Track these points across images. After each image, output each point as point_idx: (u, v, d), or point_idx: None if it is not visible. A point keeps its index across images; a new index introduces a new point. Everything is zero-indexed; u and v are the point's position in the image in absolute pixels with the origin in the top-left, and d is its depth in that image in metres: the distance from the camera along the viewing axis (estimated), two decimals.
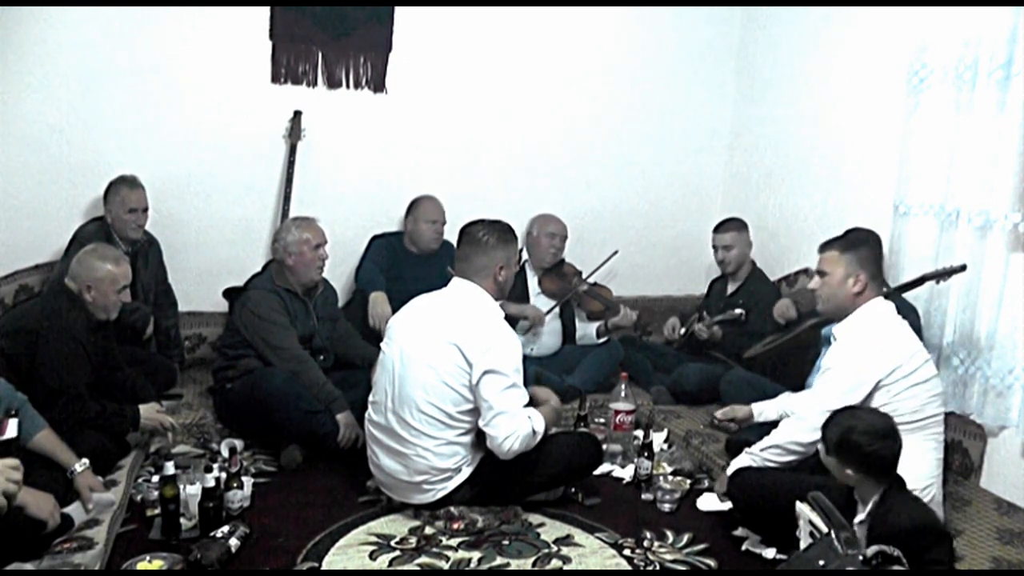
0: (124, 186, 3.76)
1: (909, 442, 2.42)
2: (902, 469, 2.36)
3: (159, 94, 4.08)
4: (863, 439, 2.31)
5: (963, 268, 3.18)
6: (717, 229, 4.31)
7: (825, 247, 2.97)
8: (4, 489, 2.00)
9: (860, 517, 2.36)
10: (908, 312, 3.11)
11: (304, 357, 3.44)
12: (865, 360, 2.71)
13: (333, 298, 3.88)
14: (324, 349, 3.67)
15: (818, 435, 2.65)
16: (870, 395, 2.68)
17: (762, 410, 3.25)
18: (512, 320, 4.10)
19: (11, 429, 2.30)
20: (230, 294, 3.64)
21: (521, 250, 4.26)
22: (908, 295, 3.34)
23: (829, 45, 4.23)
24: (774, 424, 3.00)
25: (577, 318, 4.47)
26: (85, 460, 2.71)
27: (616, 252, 4.49)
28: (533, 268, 4.42)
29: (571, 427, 3.47)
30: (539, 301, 4.33)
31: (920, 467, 2.64)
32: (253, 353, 3.45)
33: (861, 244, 2.91)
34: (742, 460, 2.90)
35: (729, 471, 2.92)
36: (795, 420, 2.83)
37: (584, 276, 4.43)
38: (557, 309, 4.32)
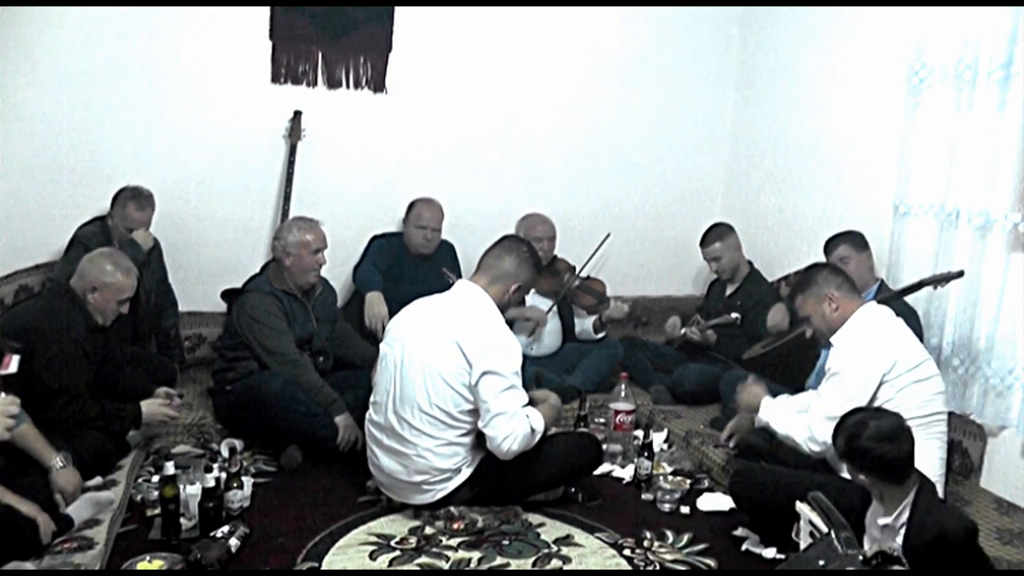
0: (132, 203, 3.71)
1: (916, 439, 2.41)
2: None
3: (159, 94, 4.08)
4: (869, 443, 2.29)
5: (961, 274, 3.17)
6: (703, 243, 4.27)
7: (790, 298, 3.06)
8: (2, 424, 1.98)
9: (886, 520, 2.34)
10: (908, 316, 3.10)
11: (300, 361, 3.43)
12: (866, 360, 2.72)
13: (332, 299, 3.87)
14: (323, 350, 3.66)
15: (827, 443, 2.66)
16: (875, 392, 2.68)
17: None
18: (511, 322, 4.11)
19: (13, 365, 2.23)
20: (228, 296, 3.62)
21: None
22: (908, 298, 3.34)
23: (829, 45, 4.23)
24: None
25: (576, 315, 4.47)
26: (66, 455, 2.67)
27: (609, 235, 4.49)
28: None
29: (571, 427, 3.47)
30: (535, 300, 4.30)
31: (925, 466, 2.63)
32: (252, 355, 3.45)
33: (810, 278, 2.93)
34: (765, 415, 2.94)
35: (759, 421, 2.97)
36: (807, 426, 2.78)
37: (578, 268, 4.42)
38: (555, 307, 4.31)
